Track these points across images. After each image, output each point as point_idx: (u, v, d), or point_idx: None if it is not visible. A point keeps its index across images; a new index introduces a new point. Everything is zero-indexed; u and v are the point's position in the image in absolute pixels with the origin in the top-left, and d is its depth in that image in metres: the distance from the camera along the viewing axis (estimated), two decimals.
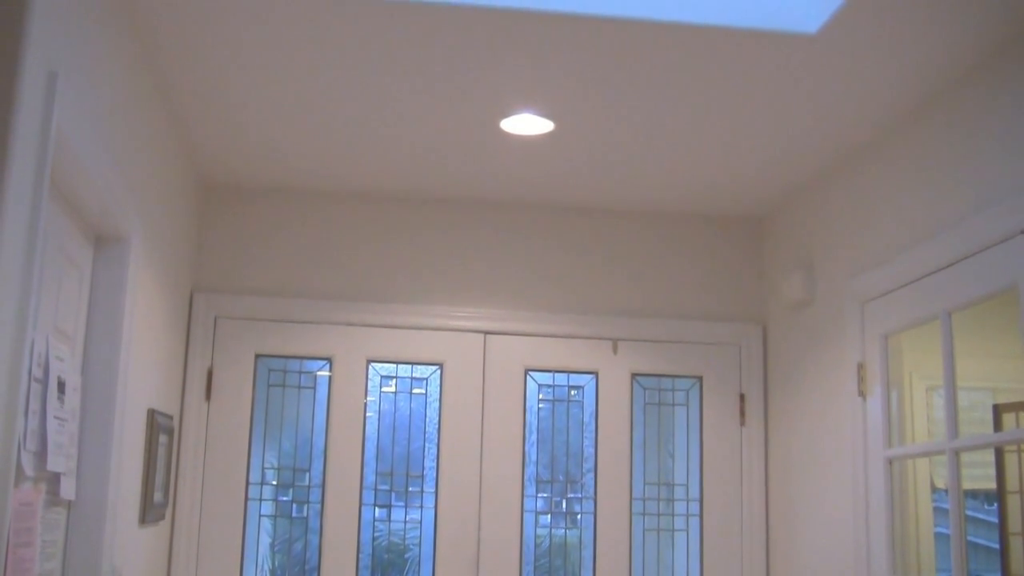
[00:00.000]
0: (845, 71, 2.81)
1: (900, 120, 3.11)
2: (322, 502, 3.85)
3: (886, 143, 3.19)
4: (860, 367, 3.24)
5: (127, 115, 2.66)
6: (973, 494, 3.11)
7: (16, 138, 1.80)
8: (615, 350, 4.02)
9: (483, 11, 2.55)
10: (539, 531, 3.96)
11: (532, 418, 4.00)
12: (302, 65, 2.89)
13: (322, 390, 3.92)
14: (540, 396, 4.02)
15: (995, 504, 3.13)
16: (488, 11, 2.55)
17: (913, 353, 3.09)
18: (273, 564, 3.88)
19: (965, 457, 2.78)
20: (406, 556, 3.93)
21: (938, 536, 3.22)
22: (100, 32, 2.35)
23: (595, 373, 4.04)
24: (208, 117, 3.30)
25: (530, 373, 4.02)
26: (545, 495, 3.99)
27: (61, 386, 2.35)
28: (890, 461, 3.09)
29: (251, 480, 3.85)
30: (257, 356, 3.89)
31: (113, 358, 2.69)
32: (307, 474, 3.89)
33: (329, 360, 3.94)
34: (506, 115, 3.21)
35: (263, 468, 3.89)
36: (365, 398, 3.92)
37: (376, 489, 3.90)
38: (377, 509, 3.90)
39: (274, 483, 3.89)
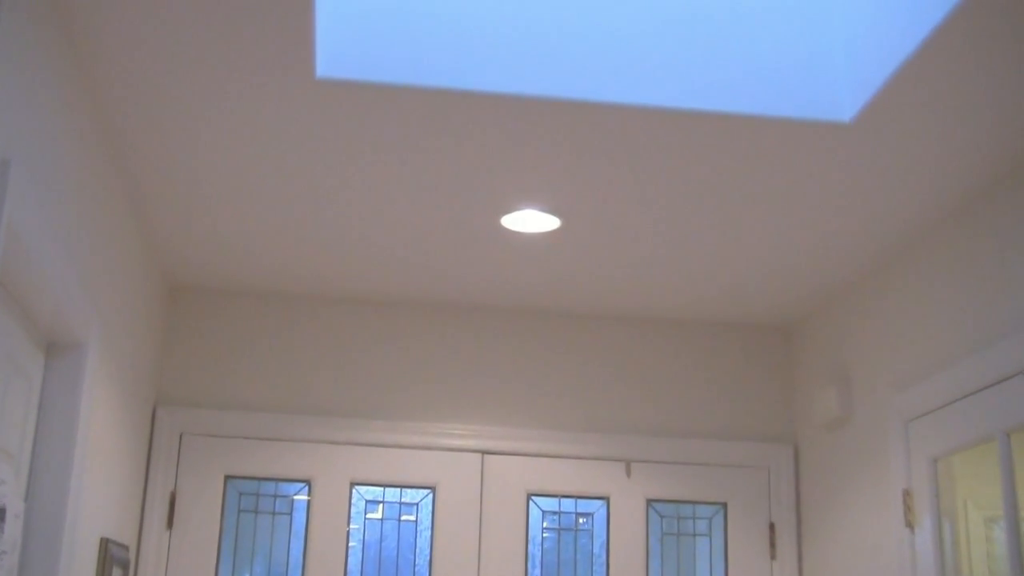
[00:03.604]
0: (883, 163, 2.82)
1: (944, 218, 3.11)
2: None
3: (930, 244, 3.19)
4: (906, 494, 3.19)
5: (86, 209, 2.66)
6: None
7: None
8: (628, 473, 3.99)
9: (481, 96, 2.57)
10: None
11: (535, 549, 3.95)
12: (278, 155, 2.89)
13: (299, 517, 3.89)
14: (544, 524, 3.98)
15: None
16: (487, 97, 2.57)
17: (967, 479, 3.04)
18: None
19: None
20: None
21: None
22: (58, 119, 2.35)
23: (606, 499, 4.00)
24: (175, 212, 3.29)
25: (533, 498, 3.98)
26: None
27: (1, 513, 2.28)
28: None
29: None
30: (227, 478, 3.87)
31: (63, 481, 2.64)
32: None
33: (308, 483, 3.89)
34: (507, 211, 3.21)
35: None
36: (348, 526, 3.88)
37: None
38: None
39: None
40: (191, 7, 2.26)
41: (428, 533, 3.90)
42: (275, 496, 3.89)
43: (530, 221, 3.27)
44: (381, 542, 3.90)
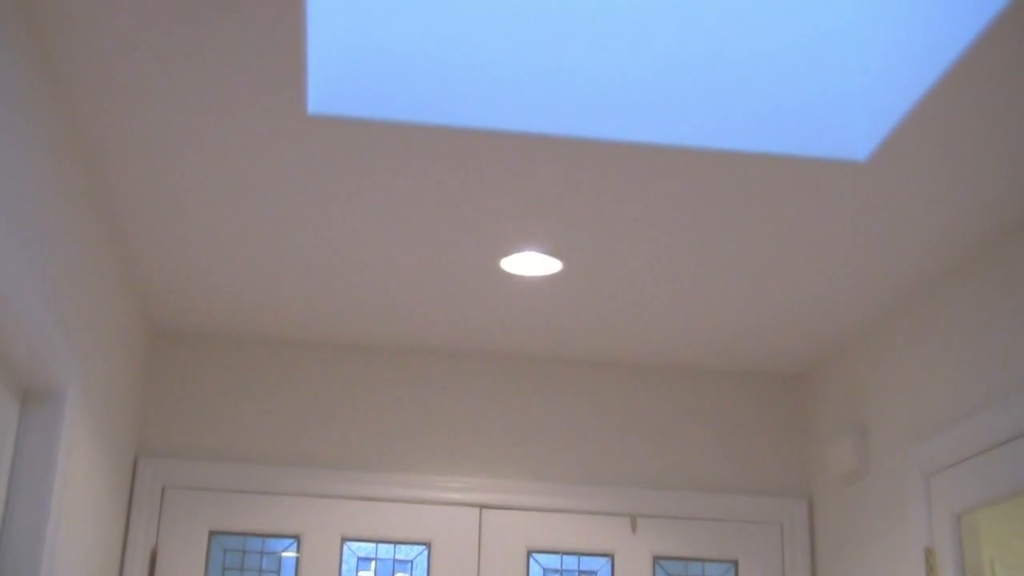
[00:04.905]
0: (899, 204, 2.81)
1: (964, 261, 3.10)
2: None
3: (950, 288, 3.18)
4: (928, 552, 3.15)
5: (65, 249, 2.64)
6: None
7: None
8: (634, 528, 3.97)
9: (480, 134, 2.56)
10: None
11: None
12: (268, 195, 2.89)
13: (287, 574, 3.85)
14: None
15: None
16: (486, 134, 2.56)
17: (994, 536, 3.00)
18: None
19: None
20: None
21: None
22: (37, 157, 2.34)
23: (610, 555, 3.97)
24: (159, 253, 3.29)
25: (533, 555, 3.95)
26: None
27: None
28: None
29: None
30: (211, 533, 3.84)
31: (37, 536, 2.61)
32: None
33: (297, 538, 3.87)
34: (507, 253, 3.21)
35: None
36: None
37: None
38: None
39: None
40: (178, 43, 2.26)
41: None
42: (262, 553, 3.86)
43: (530, 264, 3.26)
44: None
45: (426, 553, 3.90)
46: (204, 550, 3.79)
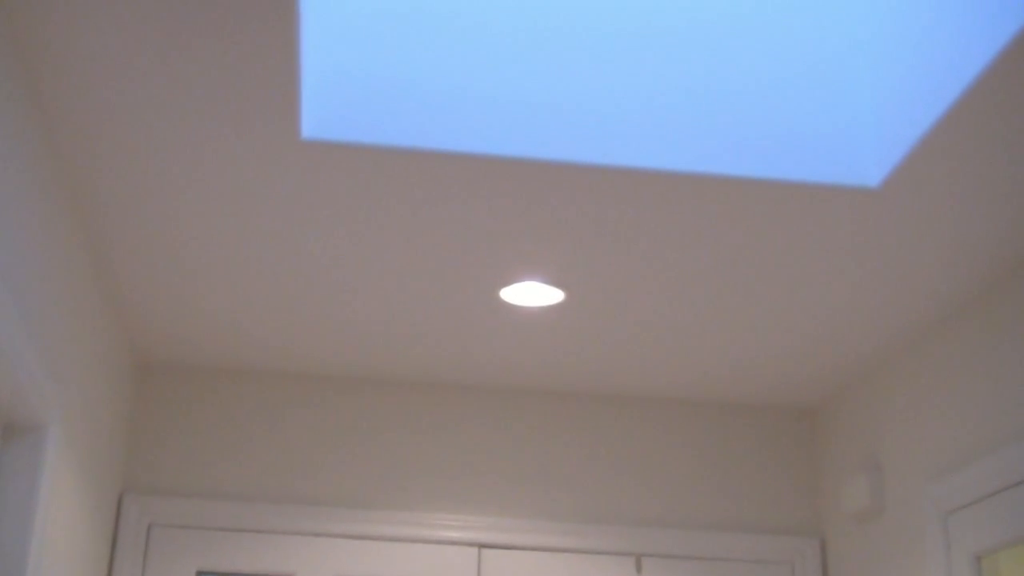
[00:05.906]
0: (913, 231, 2.81)
1: (983, 290, 3.09)
2: None
3: (967, 318, 3.17)
4: None
5: (47, 277, 2.64)
6: None
7: None
8: (639, 569, 3.95)
9: (479, 159, 2.56)
10: None
11: None
12: (259, 221, 2.89)
13: None
14: None
15: None
16: (485, 160, 2.56)
17: None
18: None
19: None
20: None
21: None
22: (17, 181, 2.33)
23: None
24: (146, 282, 3.29)
25: None
26: None
27: None
28: None
29: None
30: (199, 574, 3.82)
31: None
32: None
33: None
34: (507, 283, 3.21)
35: None
36: None
37: None
38: None
39: None
40: (169, 67, 2.25)
41: None
42: None
43: (531, 294, 3.26)
44: None
45: None
46: None
